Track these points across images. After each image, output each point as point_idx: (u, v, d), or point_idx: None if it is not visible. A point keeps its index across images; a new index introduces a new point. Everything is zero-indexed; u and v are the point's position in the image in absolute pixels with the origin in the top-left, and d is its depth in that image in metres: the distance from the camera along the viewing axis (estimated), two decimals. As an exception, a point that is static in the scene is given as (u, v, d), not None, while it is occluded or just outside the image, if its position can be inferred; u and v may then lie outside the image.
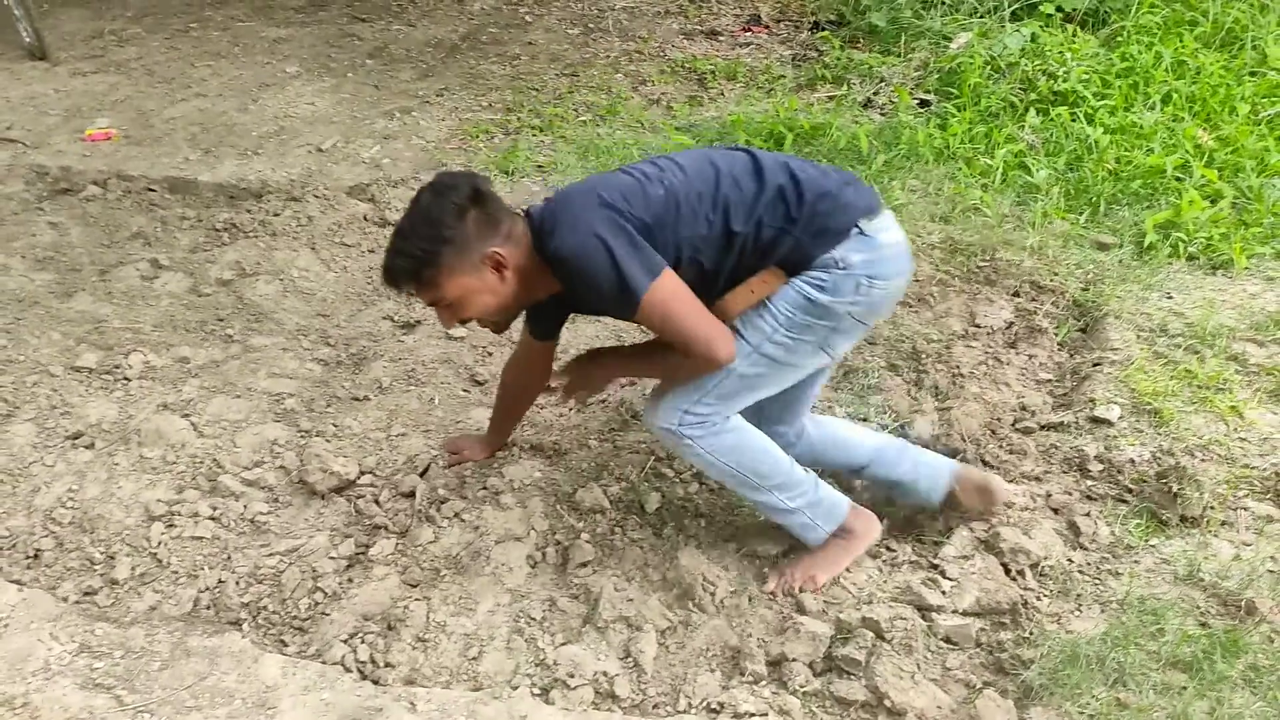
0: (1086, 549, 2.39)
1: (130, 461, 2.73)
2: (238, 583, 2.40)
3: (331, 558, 2.44)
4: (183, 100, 5.23)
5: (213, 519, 2.56)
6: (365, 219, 4.00)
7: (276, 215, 4.03)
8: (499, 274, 2.05)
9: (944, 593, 2.25)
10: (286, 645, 2.25)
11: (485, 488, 2.63)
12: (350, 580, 2.38)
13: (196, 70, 5.65)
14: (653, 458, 2.73)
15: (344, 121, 4.97)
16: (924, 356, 3.10)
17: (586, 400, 2.45)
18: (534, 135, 4.73)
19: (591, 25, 6.21)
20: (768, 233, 2.04)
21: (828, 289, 2.05)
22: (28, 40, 5.83)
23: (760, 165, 2.09)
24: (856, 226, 2.05)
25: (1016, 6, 5.41)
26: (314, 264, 3.74)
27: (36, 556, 2.45)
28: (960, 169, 4.17)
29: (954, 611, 2.22)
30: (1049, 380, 3.06)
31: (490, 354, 3.25)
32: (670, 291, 1.96)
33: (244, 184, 4.29)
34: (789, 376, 2.19)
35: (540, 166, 4.37)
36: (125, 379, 3.08)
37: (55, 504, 2.59)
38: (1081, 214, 3.84)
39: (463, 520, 2.54)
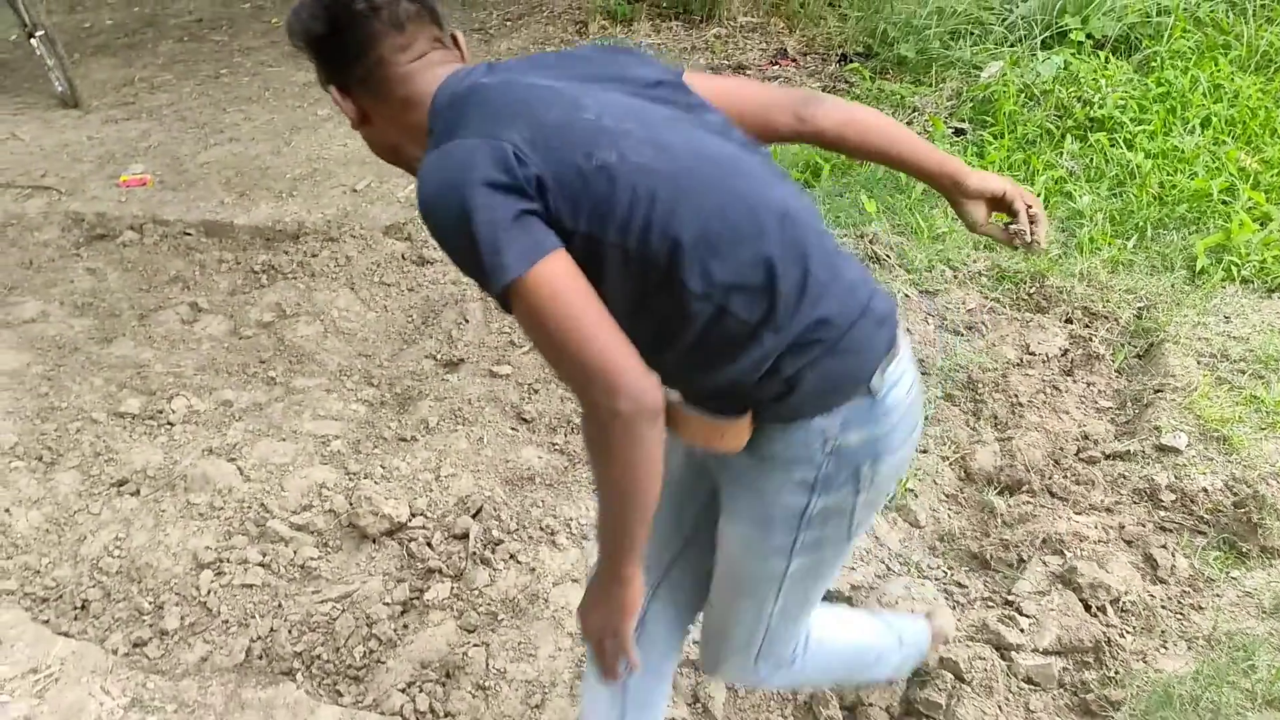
0: (1166, 583, 2.31)
1: (177, 508, 2.68)
2: (290, 631, 2.34)
3: (385, 603, 2.38)
4: (216, 145, 5.25)
5: (262, 565, 2.50)
6: (403, 258, 3.98)
7: (314, 256, 4.01)
8: (366, 123, 1.42)
9: (1022, 630, 2.17)
10: (342, 695, 2.19)
11: (541, 528, 2.57)
12: (405, 626, 2.32)
13: (228, 115, 5.67)
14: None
15: (376, 161, 4.93)
16: (980, 386, 3.03)
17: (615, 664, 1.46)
18: (567, 172, 4.70)
19: (618, 62, 6.21)
20: (729, 326, 1.30)
21: (814, 487, 1.42)
22: (60, 89, 5.88)
23: (768, 197, 1.33)
24: (867, 385, 1.37)
25: (1046, 35, 5.38)
26: (354, 304, 3.72)
27: (84, 607, 2.40)
28: (1001, 196, 4.12)
29: (1034, 650, 2.13)
30: (1110, 408, 2.98)
31: (536, 390, 3.20)
32: (554, 286, 1.19)
33: (280, 226, 4.28)
34: (832, 572, 1.59)
35: (575, 203, 4.34)
36: (169, 424, 3.05)
37: (102, 553, 2.54)
38: (1128, 239, 3.78)
39: (519, 562, 2.48)
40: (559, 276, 1.20)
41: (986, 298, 3.46)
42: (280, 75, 6.30)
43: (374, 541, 2.58)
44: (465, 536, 2.58)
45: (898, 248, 3.74)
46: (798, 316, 1.31)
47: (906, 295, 3.48)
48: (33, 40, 5.78)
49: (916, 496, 2.64)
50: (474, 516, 2.64)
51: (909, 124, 4.92)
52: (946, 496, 2.68)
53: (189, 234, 4.32)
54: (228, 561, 2.50)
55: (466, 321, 3.54)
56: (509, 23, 7.02)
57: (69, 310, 3.75)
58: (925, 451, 2.80)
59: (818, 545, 1.48)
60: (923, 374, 3.10)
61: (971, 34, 5.55)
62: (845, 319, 1.34)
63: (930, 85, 5.25)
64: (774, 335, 1.30)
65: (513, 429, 3.04)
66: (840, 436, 1.38)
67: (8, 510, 2.66)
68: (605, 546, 1.33)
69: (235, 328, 3.62)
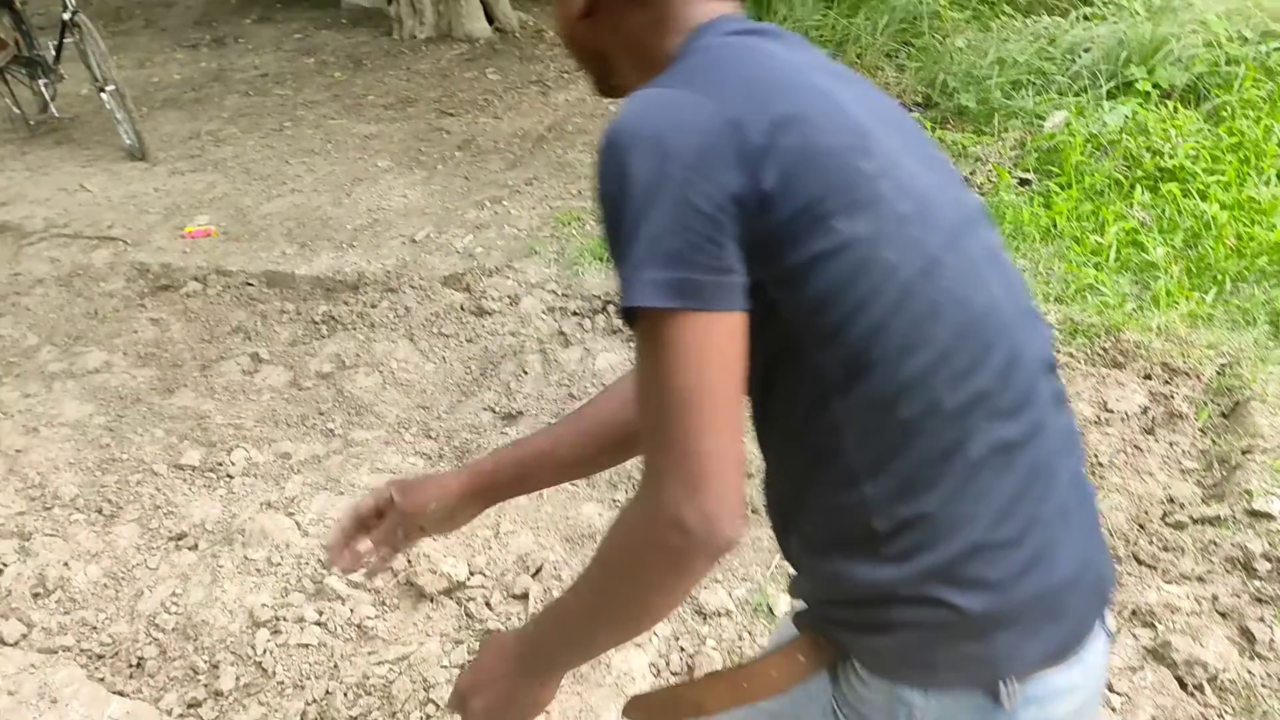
0: (1265, 658, 2.17)
1: (234, 563, 2.65)
2: (345, 694, 2.28)
3: (443, 666, 2.32)
4: (278, 196, 5.31)
5: (319, 624, 2.45)
6: (462, 309, 3.96)
7: (374, 307, 4.01)
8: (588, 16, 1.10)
9: (1114, 709, 2.05)
10: (399, 762, 2.12)
11: (601, 590, 2.49)
12: (464, 691, 2.25)
13: (291, 167, 5.75)
14: (778, 555, 2.57)
15: (436, 212, 4.98)
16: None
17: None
18: (625, 223, 4.68)
19: (675, 113, 6.21)
20: (835, 474, 0.97)
21: None
22: (129, 142, 6.00)
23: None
24: (996, 685, 0.97)
25: (1111, 85, 5.30)
26: (413, 355, 3.70)
27: (139, 665, 2.37)
28: (1070, 247, 4.03)
29: (1127, 731, 2.01)
30: (1195, 469, 2.85)
31: (595, 446, 3.14)
32: (705, 352, 0.88)
33: (340, 276, 4.29)
34: None
35: (634, 254, 4.31)
36: (228, 476, 3.03)
37: (159, 609, 2.51)
38: (1206, 292, 3.66)
39: (578, 625, 2.40)
40: (718, 344, 0.89)
41: (1059, 353, 3.35)
42: (342, 128, 6.39)
43: (432, 600, 2.53)
44: (525, 597, 2.52)
45: (965, 301, 3.65)
46: (915, 501, 0.94)
47: (976, 350, 3.38)
48: (103, 95, 5.92)
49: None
50: (534, 576, 2.58)
51: (971, 174, 4.85)
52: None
53: (251, 284, 4.35)
54: (284, 620, 2.45)
55: (525, 373, 3.51)
56: (566, 75, 7.07)
57: (132, 360, 3.77)
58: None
59: None
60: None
61: (1033, 84, 5.49)
62: (1051, 576, 0.97)
63: (993, 135, 5.17)
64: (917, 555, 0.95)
65: (573, 485, 2.98)
66: None
67: (67, 564, 2.64)
68: (552, 640, 1.05)
69: (295, 379, 3.61)
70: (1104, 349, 3.36)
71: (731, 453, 0.88)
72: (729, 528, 0.87)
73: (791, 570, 1.11)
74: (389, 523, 1.34)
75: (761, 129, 0.91)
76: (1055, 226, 4.16)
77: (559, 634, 1.04)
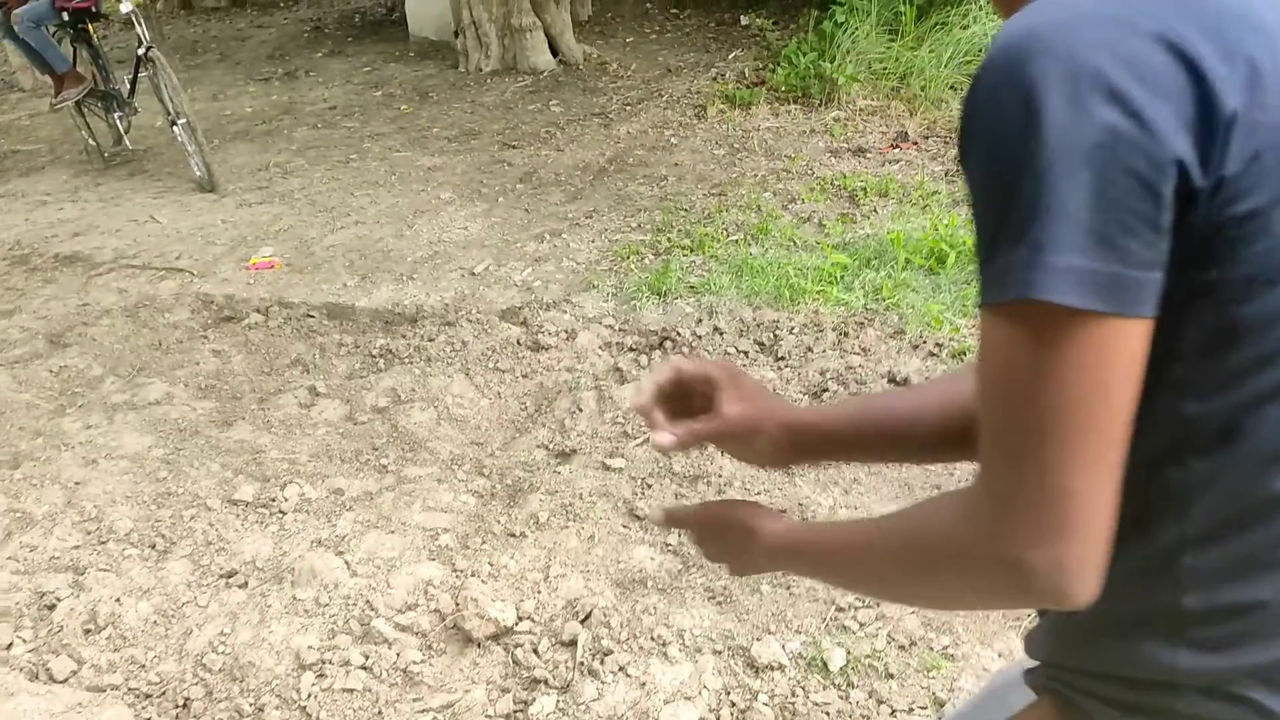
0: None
1: (283, 603, 2.63)
2: (390, 741, 2.24)
3: (488, 715, 2.27)
4: (342, 228, 5.36)
5: (364, 668, 2.41)
6: (518, 343, 3.94)
7: (431, 340, 4.00)
8: None
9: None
10: (441, 816, 2.07)
11: (653, 638, 2.42)
12: (509, 743, 2.19)
13: (355, 199, 5.81)
14: (834, 607, 2.48)
15: (495, 245, 4.98)
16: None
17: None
18: (685, 255, 4.63)
19: (737, 145, 6.17)
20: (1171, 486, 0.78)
21: None
22: (199, 174, 6.12)
23: None
24: None
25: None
26: (468, 390, 3.67)
27: (186, 706, 2.35)
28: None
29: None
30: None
31: (649, 485, 3.08)
32: (1102, 370, 0.68)
33: (399, 309, 4.30)
34: None
35: (693, 287, 4.25)
36: (281, 512, 3.02)
37: (207, 648, 2.49)
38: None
39: (628, 675, 2.33)
40: (1124, 359, 0.69)
41: None
42: (406, 160, 6.45)
43: (479, 646, 2.47)
44: (573, 644, 2.45)
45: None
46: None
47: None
48: (175, 128, 6.05)
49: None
50: (582, 622, 2.51)
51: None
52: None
53: (312, 316, 4.37)
54: (330, 663, 2.42)
55: (579, 410, 3.46)
56: (628, 107, 7.08)
57: (193, 392, 3.80)
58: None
59: None
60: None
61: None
62: None
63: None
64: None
65: (624, 527, 2.91)
66: None
67: (119, 600, 2.64)
68: (816, 562, 0.96)
69: (351, 413, 3.61)
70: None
71: (1108, 498, 0.71)
72: (1084, 587, 0.71)
73: (1035, 621, 0.98)
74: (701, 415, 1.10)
75: (1229, 79, 0.65)
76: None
77: (827, 563, 0.95)
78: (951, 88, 6.39)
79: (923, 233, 4.53)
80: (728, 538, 1.05)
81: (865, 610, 2.46)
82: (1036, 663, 0.96)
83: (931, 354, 3.53)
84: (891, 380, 3.38)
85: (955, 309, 3.82)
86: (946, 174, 5.39)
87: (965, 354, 3.47)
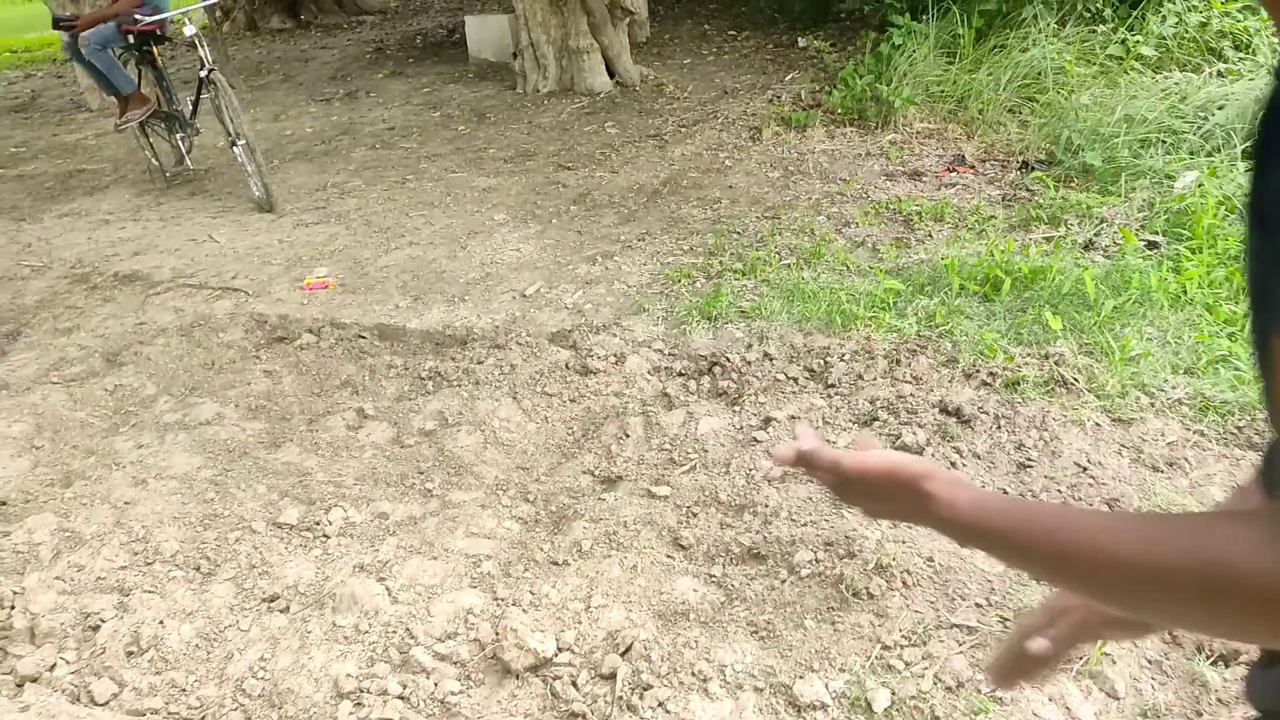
0: None
1: (323, 629, 2.61)
2: (425, 774, 2.20)
3: (525, 751, 2.22)
4: (396, 249, 5.39)
5: (401, 698, 2.39)
6: (567, 367, 3.91)
7: (480, 363, 3.99)
8: None
9: None
10: None
11: (693, 673, 2.36)
12: (544, 780, 2.15)
13: (410, 219, 5.85)
14: (879, 645, 2.40)
15: (547, 267, 4.97)
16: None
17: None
18: (736, 279, 4.58)
19: (791, 168, 6.11)
20: None
21: None
22: (257, 194, 6.21)
23: None
24: None
25: (1247, 144, 4.97)
26: (515, 414, 3.65)
27: (225, 731, 2.34)
28: (1201, 316, 3.75)
29: None
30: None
31: (694, 515, 3.02)
32: None
33: (450, 331, 4.30)
34: None
35: (744, 312, 4.20)
36: (324, 536, 3.02)
37: (247, 673, 2.49)
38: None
39: (667, 711, 2.28)
40: None
41: (1189, 430, 3.10)
42: (462, 181, 6.48)
43: (517, 677, 2.43)
44: (613, 677, 2.41)
45: (1086, 370, 3.42)
46: None
47: (1097, 424, 3.15)
48: (234, 149, 6.15)
49: (1114, 662, 2.30)
50: (623, 655, 2.46)
51: (1096, 235, 4.59)
52: (1149, 663, 2.33)
53: (363, 337, 4.39)
54: (368, 692, 2.40)
55: (626, 436, 3.42)
56: (684, 129, 7.05)
57: (243, 413, 3.83)
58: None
59: None
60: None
61: (1163, 142, 5.21)
62: None
63: (1119, 195, 4.91)
64: None
65: (668, 557, 2.86)
66: None
67: (162, 622, 2.65)
68: (1024, 543, 0.83)
69: (398, 435, 3.60)
70: (1238, 428, 3.09)
71: None
72: None
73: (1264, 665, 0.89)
74: (1075, 616, 1.05)
75: None
76: (1185, 293, 3.89)
77: (1044, 550, 0.82)
78: (1010, 111, 6.28)
79: (978, 258, 4.43)
80: (896, 498, 0.94)
81: (911, 649, 2.39)
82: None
83: (985, 383, 3.44)
84: (944, 410, 3.30)
85: (1010, 337, 3.72)
86: (1004, 198, 5.27)
87: (1019, 384, 3.38)
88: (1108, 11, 6.98)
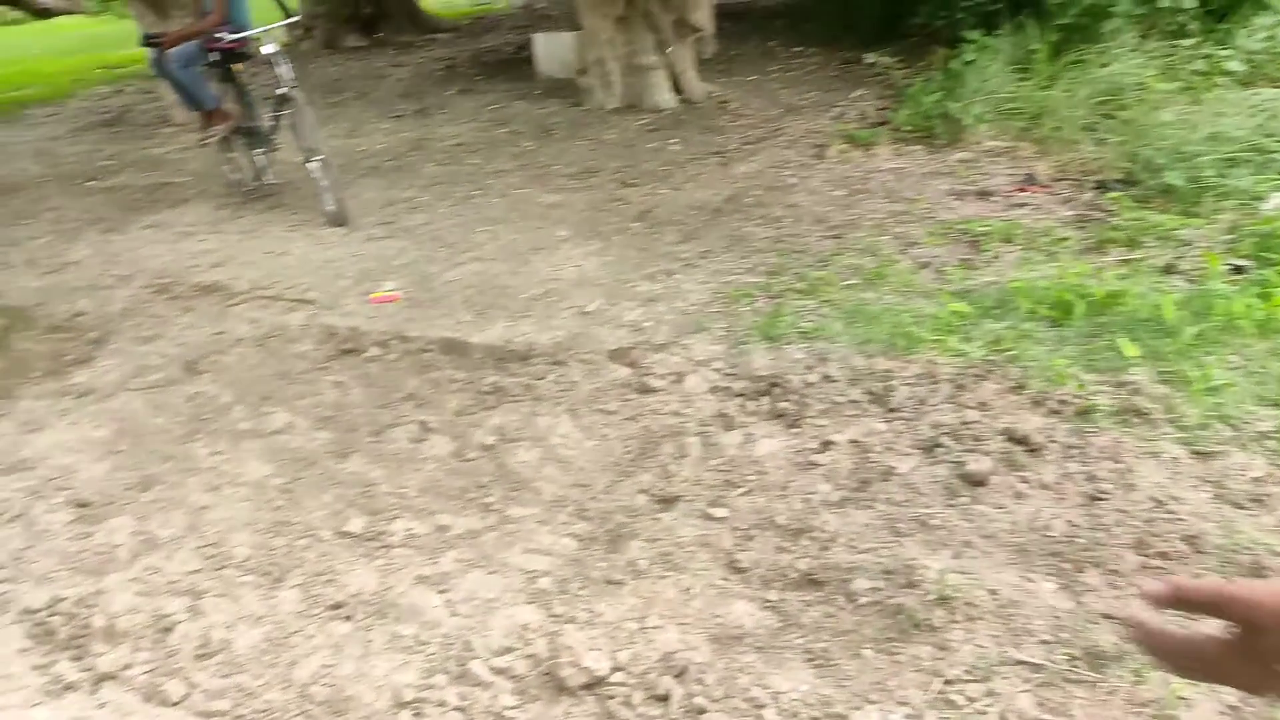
0: None
1: (385, 638, 2.68)
2: (480, 786, 2.25)
3: (578, 767, 2.26)
4: (461, 264, 5.49)
5: (459, 709, 2.44)
6: (626, 384, 3.95)
7: (540, 379, 4.05)
8: None
9: None
10: None
11: (746, 699, 2.38)
12: (596, 797, 2.18)
13: (476, 235, 5.95)
14: (940, 679, 2.39)
15: (608, 283, 5.03)
16: (1269, 572, 2.61)
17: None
18: (798, 299, 4.59)
19: (856, 187, 6.10)
20: None
21: None
22: (331, 209, 6.36)
23: None
24: None
25: (1342, 162, 4.86)
26: (574, 431, 3.70)
27: (288, 736, 2.41)
28: (1289, 344, 3.66)
29: None
30: None
31: (751, 538, 3.03)
32: None
33: (511, 346, 4.37)
34: None
35: (805, 333, 4.20)
36: (387, 546, 3.09)
37: (311, 679, 2.56)
38: None
39: (720, 735, 2.29)
40: None
41: (1276, 465, 3.03)
42: (526, 197, 6.58)
43: (572, 695, 2.47)
44: (667, 699, 2.43)
45: (1164, 400, 3.36)
46: None
47: (1175, 457, 3.09)
48: (310, 164, 6.32)
49: (1190, 707, 2.27)
50: (677, 678, 2.49)
51: (1178, 259, 4.50)
52: (1228, 708, 2.28)
53: (428, 351, 4.48)
54: (426, 702, 2.45)
55: (685, 456, 3.44)
56: (748, 146, 7.08)
57: (313, 423, 3.93)
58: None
59: None
60: (1196, 552, 2.71)
61: (1251, 161, 5.08)
62: None
63: (1203, 217, 4.81)
64: None
65: (724, 579, 2.88)
66: None
67: (231, 626, 2.74)
68: None
69: (459, 449, 3.67)
70: (1327, 462, 3.02)
71: None
72: None
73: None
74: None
75: None
76: (1274, 321, 3.80)
77: None
78: (1085, 128, 6.19)
79: (1048, 281, 4.37)
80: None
81: (974, 685, 2.37)
82: None
83: (1054, 411, 3.40)
84: (1010, 438, 3.27)
85: (1081, 364, 3.66)
86: (1077, 219, 5.20)
87: (1090, 413, 3.33)
88: (1193, 25, 6.84)
